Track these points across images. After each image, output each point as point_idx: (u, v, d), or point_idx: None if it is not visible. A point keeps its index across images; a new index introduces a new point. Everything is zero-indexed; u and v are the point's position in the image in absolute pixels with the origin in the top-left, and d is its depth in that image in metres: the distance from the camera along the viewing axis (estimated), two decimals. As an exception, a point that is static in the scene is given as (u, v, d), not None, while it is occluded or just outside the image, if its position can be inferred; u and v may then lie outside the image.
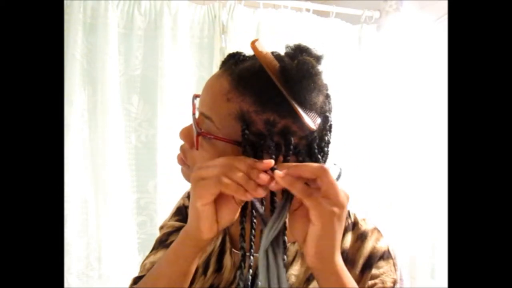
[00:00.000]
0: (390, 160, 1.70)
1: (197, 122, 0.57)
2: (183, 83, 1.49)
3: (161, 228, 0.76)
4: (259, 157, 0.53)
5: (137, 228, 1.49)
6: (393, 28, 1.71)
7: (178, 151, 0.62)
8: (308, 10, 1.66)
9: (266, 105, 0.53)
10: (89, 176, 1.42)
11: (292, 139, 0.54)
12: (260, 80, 0.54)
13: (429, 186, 1.54)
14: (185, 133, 0.60)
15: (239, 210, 0.53)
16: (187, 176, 0.60)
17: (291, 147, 0.54)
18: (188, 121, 0.60)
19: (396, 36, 1.70)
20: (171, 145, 1.44)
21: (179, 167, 0.62)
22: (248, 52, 0.59)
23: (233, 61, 0.59)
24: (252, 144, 0.53)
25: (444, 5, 1.48)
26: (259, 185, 0.49)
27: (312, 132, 0.56)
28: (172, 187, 1.44)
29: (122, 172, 1.44)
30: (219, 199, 0.52)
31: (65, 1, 1.37)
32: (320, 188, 0.49)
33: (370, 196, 1.71)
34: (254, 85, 0.54)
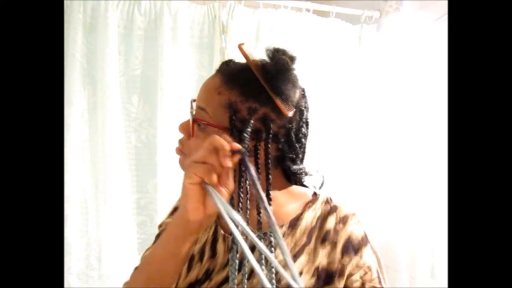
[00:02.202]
0: (390, 160, 1.70)
1: (193, 114, 0.67)
2: (183, 83, 1.49)
3: (160, 226, 0.82)
4: (243, 140, 0.62)
5: (137, 228, 1.49)
6: (393, 28, 1.71)
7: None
8: (308, 10, 1.66)
9: (249, 95, 0.64)
10: (89, 176, 1.42)
11: (272, 125, 0.64)
12: (245, 75, 0.65)
13: (429, 186, 1.54)
14: (184, 126, 0.69)
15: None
16: (182, 165, 0.69)
17: (271, 132, 0.64)
18: (187, 117, 0.70)
19: (396, 36, 1.70)
20: (171, 145, 1.44)
21: (179, 167, 0.67)
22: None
23: (225, 64, 0.71)
24: (238, 129, 0.63)
25: (444, 5, 1.48)
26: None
27: (290, 122, 0.66)
28: (172, 187, 1.44)
29: (122, 172, 1.44)
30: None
31: (65, 1, 1.36)
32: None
33: (370, 196, 1.71)
34: (240, 79, 0.65)
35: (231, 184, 0.56)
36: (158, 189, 1.47)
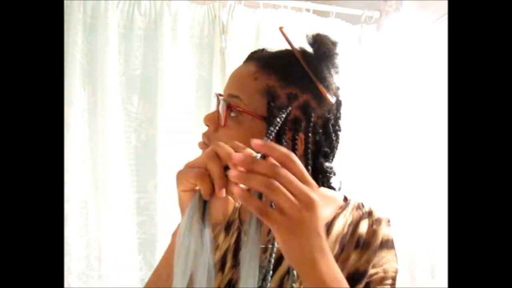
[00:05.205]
0: (390, 160, 1.70)
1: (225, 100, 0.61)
2: (183, 83, 1.49)
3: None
4: (281, 130, 0.57)
5: (137, 228, 1.49)
6: (393, 28, 1.71)
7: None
8: (308, 10, 1.66)
9: (289, 80, 0.60)
10: (89, 176, 1.42)
11: (312, 114, 0.60)
12: (284, 60, 0.61)
13: (429, 186, 1.54)
14: (211, 117, 0.63)
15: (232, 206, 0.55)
16: None
17: (312, 121, 0.60)
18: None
19: (396, 36, 1.70)
20: (171, 145, 1.44)
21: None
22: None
23: (259, 51, 0.66)
24: (276, 117, 0.57)
25: (444, 5, 1.48)
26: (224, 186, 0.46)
27: (328, 112, 0.63)
28: (172, 187, 1.43)
29: (122, 172, 1.44)
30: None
31: (65, 1, 1.36)
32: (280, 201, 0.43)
33: (370, 196, 1.71)
34: (279, 64, 0.61)
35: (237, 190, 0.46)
36: (158, 189, 1.47)
